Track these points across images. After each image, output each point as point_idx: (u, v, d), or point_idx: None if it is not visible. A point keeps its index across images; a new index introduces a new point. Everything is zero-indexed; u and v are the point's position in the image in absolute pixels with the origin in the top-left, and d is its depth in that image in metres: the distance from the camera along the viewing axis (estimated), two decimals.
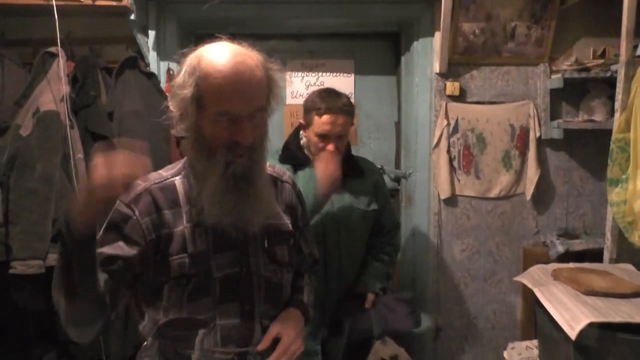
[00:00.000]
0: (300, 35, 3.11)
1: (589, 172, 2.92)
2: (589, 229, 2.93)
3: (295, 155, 2.21)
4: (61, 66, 2.34)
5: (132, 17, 2.47)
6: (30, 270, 2.17)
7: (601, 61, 2.66)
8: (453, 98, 2.83)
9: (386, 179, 2.57)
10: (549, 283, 1.85)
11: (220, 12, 2.65)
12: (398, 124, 3.19)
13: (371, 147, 3.18)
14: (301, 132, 2.26)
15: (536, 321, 2.69)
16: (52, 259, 2.22)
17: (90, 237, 1.09)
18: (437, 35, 2.79)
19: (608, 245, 2.18)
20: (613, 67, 2.56)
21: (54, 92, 2.34)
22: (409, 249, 2.98)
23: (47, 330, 2.36)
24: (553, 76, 2.77)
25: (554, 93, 2.81)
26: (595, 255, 2.49)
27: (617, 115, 2.10)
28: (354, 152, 2.38)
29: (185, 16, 2.74)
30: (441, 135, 2.82)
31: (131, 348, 2.34)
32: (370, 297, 2.21)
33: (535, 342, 2.15)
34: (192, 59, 1.21)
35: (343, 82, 3.08)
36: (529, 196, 2.88)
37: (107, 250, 1.18)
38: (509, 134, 2.86)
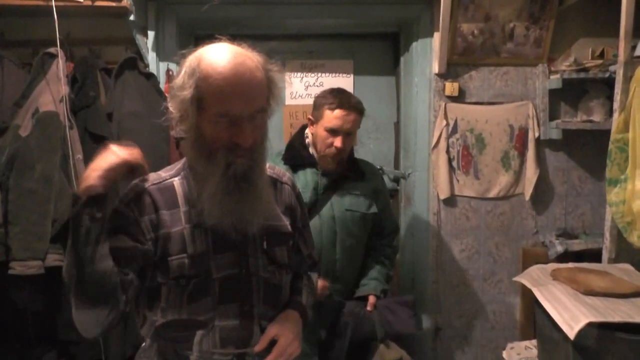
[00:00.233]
0: (300, 36, 3.11)
1: (587, 172, 2.92)
2: (587, 229, 2.93)
3: (299, 154, 2.22)
4: (60, 67, 2.33)
5: (132, 17, 2.47)
6: (29, 271, 2.17)
7: (600, 61, 2.67)
8: (452, 98, 2.83)
9: (385, 179, 2.57)
10: (548, 283, 1.85)
11: (219, 12, 2.65)
12: (397, 125, 3.19)
13: (370, 147, 3.18)
14: (307, 130, 2.27)
15: (535, 321, 2.70)
16: (52, 259, 2.22)
17: (103, 206, 1.11)
18: (436, 36, 2.79)
19: (607, 245, 2.18)
20: (612, 68, 2.57)
21: (53, 93, 2.34)
22: (408, 250, 2.99)
23: (46, 331, 2.36)
24: (552, 76, 2.77)
25: (553, 93, 2.82)
26: (594, 255, 2.50)
27: (615, 115, 2.11)
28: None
29: (185, 17, 2.74)
30: (440, 135, 2.83)
31: (131, 348, 2.34)
32: (372, 299, 2.21)
33: (534, 342, 2.15)
34: (191, 60, 1.21)
35: (342, 83, 3.08)
36: (528, 196, 2.88)
37: (111, 243, 1.17)
38: (507, 135, 2.86)
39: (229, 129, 1.18)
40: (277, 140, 2.95)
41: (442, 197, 2.88)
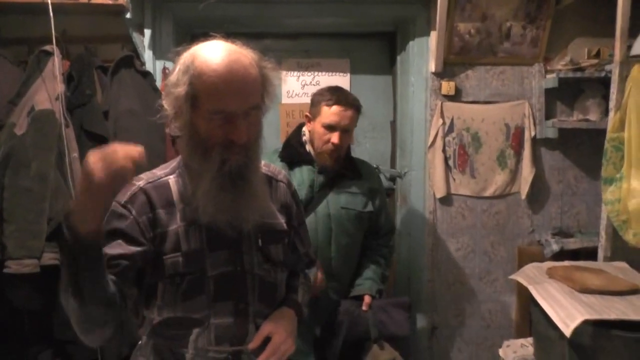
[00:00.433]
0: (297, 35, 3.12)
1: (583, 171, 2.93)
2: (583, 228, 2.94)
3: (296, 151, 2.23)
4: (56, 65, 2.33)
5: (128, 15, 2.47)
6: (25, 270, 2.16)
7: (596, 61, 2.67)
8: (448, 97, 2.84)
9: (382, 178, 2.57)
10: (544, 281, 1.85)
11: (216, 10, 2.65)
12: (393, 123, 3.19)
13: (367, 146, 3.18)
14: (304, 128, 2.27)
15: (531, 319, 2.70)
16: (48, 258, 2.21)
17: (97, 238, 1.05)
18: (433, 35, 2.79)
19: (602, 244, 2.19)
20: (607, 67, 2.57)
21: (49, 91, 2.33)
22: (404, 248, 2.99)
23: (42, 330, 2.36)
24: (548, 76, 2.78)
25: (549, 93, 2.82)
26: (589, 254, 2.51)
27: (611, 114, 2.11)
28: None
29: (181, 15, 2.74)
30: (436, 134, 2.83)
31: (127, 347, 2.33)
32: (367, 299, 2.21)
33: (530, 339, 2.15)
34: (186, 57, 1.21)
35: (339, 82, 3.08)
36: (524, 195, 2.89)
37: (108, 250, 1.16)
38: (504, 134, 2.87)
39: (224, 126, 1.18)
40: (273, 138, 2.95)
41: (438, 195, 2.88)
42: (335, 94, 2.16)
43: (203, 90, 1.16)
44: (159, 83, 2.62)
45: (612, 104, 2.13)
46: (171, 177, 1.32)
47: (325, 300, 2.19)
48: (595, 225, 2.78)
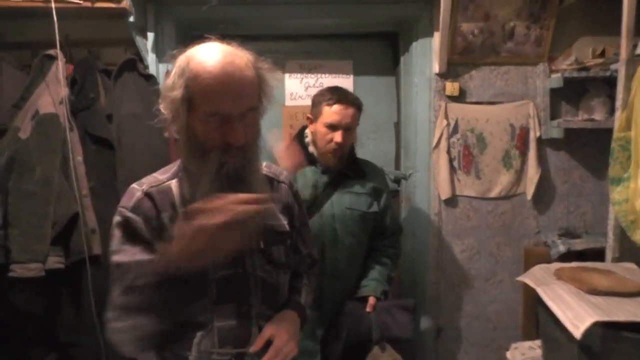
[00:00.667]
0: (298, 36, 3.10)
1: (589, 171, 2.92)
2: (589, 229, 2.92)
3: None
4: (60, 68, 2.33)
5: (131, 19, 2.46)
6: (29, 273, 2.16)
7: (601, 60, 2.66)
8: (452, 98, 2.83)
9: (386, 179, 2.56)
10: (552, 282, 1.84)
11: (218, 13, 2.65)
12: (397, 125, 3.18)
13: (370, 148, 3.17)
14: (307, 130, 2.27)
15: (538, 321, 2.68)
16: (52, 261, 2.21)
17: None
18: (436, 36, 2.78)
19: (610, 244, 2.17)
20: (613, 67, 2.56)
21: (52, 95, 2.33)
22: (409, 250, 2.98)
23: (46, 333, 2.35)
24: (553, 75, 2.76)
25: (554, 92, 2.81)
26: (596, 255, 2.49)
27: (617, 113, 2.10)
28: None
29: (184, 18, 2.73)
30: (441, 135, 2.82)
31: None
32: (372, 300, 2.20)
33: (538, 342, 2.14)
34: (181, 60, 1.21)
35: (342, 83, 3.06)
36: (529, 196, 2.87)
37: (131, 257, 1.18)
38: (508, 134, 2.86)
39: (220, 129, 1.18)
40: (276, 141, 2.94)
41: (443, 197, 2.87)
42: (336, 93, 2.16)
43: (198, 92, 1.16)
44: (161, 86, 2.61)
45: (618, 103, 2.11)
46: (173, 181, 1.31)
47: (330, 301, 2.19)
48: (602, 226, 2.77)
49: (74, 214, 2.27)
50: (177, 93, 1.17)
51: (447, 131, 2.83)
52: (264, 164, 1.46)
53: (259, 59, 1.26)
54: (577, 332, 1.49)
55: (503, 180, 2.88)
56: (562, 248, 2.73)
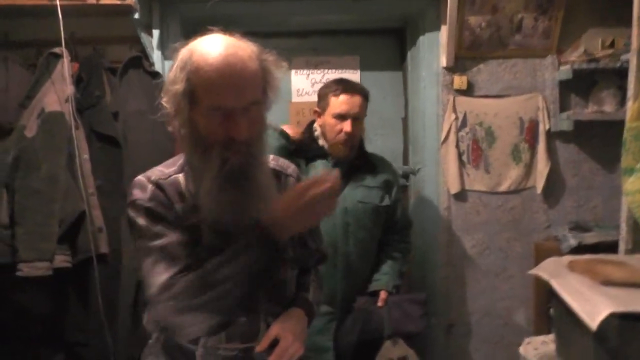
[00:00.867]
0: (305, 33, 3.10)
1: (599, 163, 2.88)
2: (600, 222, 2.88)
3: (309, 147, 2.22)
4: (66, 67, 2.32)
5: (136, 16, 2.45)
6: (37, 272, 2.16)
7: (610, 51, 2.63)
8: (460, 92, 2.80)
9: None
10: (566, 275, 1.81)
11: (223, 9, 2.64)
12: (405, 120, 3.16)
13: (378, 143, 3.14)
14: (315, 124, 2.27)
15: (549, 317, 2.66)
16: (59, 260, 2.20)
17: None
18: (443, 29, 2.76)
19: (623, 236, 2.14)
20: (623, 57, 2.54)
21: (58, 93, 2.33)
22: (418, 246, 2.95)
23: (54, 333, 2.34)
24: (562, 67, 2.73)
25: (563, 85, 2.78)
26: (608, 248, 2.45)
27: (629, 103, 2.06)
28: None
29: (189, 14, 2.72)
30: (449, 129, 2.80)
31: (139, 350, 2.31)
32: (383, 295, 2.19)
33: (551, 337, 2.11)
34: (183, 53, 1.18)
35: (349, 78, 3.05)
36: (539, 189, 2.84)
37: (172, 239, 1.19)
38: (517, 127, 2.83)
39: (223, 123, 1.16)
40: None
41: (452, 191, 2.84)
42: (342, 84, 2.18)
43: (200, 86, 1.14)
44: None
45: (630, 93, 2.08)
46: (180, 175, 1.29)
47: (342, 296, 2.18)
48: (613, 219, 2.73)
49: (81, 212, 2.26)
50: (179, 87, 1.15)
51: (456, 125, 2.80)
52: (271, 156, 1.44)
53: (264, 51, 1.23)
54: (593, 323, 1.46)
55: (512, 174, 2.85)
56: (573, 242, 2.69)
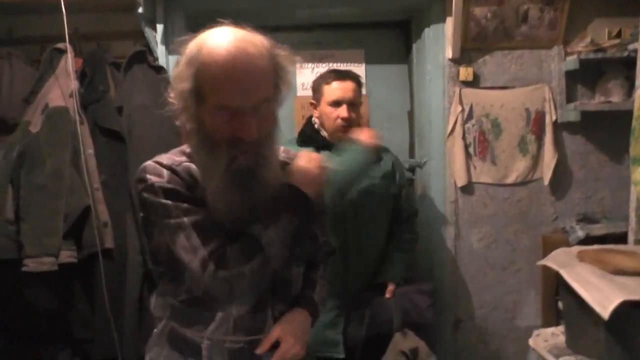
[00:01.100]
0: (309, 26, 3.08)
1: (606, 155, 2.86)
2: (608, 213, 2.86)
3: (313, 138, 2.22)
4: (69, 62, 2.31)
5: (140, 10, 2.44)
6: (42, 267, 2.15)
7: (617, 41, 2.61)
8: (466, 84, 2.78)
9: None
10: (575, 264, 1.80)
11: (227, 3, 2.64)
12: (411, 113, 3.15)
13: (383, 137, 3.13)
14: (314, 117, 2.27)
15: (557, 309, 2.64)
16: (65, 256, 2.20)
17: None
18: (449, 21, 2.73)
19: (633, 227, 2.13)
20: (630, 47, 2.51)
21: (62, 88, 2.33)
22: (425, 239, 2.92)
23: (60, 329, 2.34)
24: (568, 58, 2.71)
25: (569, 75, 2.75)
26: (616, 240, 2.44)
27: (638, 92, 2.05)
28: None
29: (193, 9, 2.71)
30: (456, 121, 2.78)
31: (145, 345, 2.31)
32: (391, 287, 2.19)
33: (560, 328, 2.10)
34: (191, 48, 1.13)
35: None
36: (547, 181, 2.82)
37: (203, 214, 1.18)
38: (524, 119, 2.81)
39: (231, 122, 1.12)
40: (288, 132, 2.90)
41: (459, 184, 2.82)
42: (332, 72, 2.23)
43: (207, 84, 1.10)
44: None
45: (638, 82, 2.07)
46: (191, 164, 1.24)
47: (351, 288, 2.17)
48: (621, 211, 2.72)
49: (86, 207, 2.25)
50: (186, 85, 1.12)
51: (462, 117, 2.78)
52: (282, 148, 1.41)
53: (276, 45, 1.18)
54: (605, 312, 1.45)
55: (519, 166, 2.83)
56: (581, 234, 2.67)
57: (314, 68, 3.08)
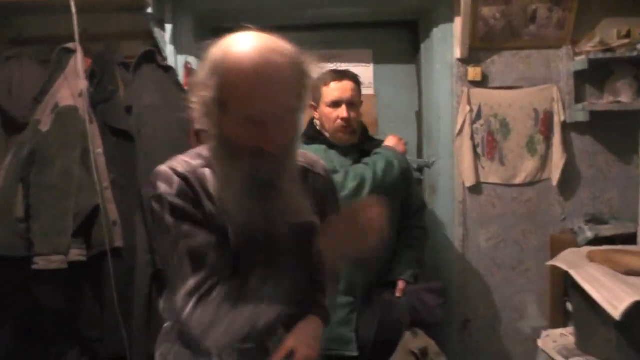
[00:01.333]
0: (317, 26, 3.08)
1: (615, 155, 2.85)
2: (617, 214, 2.85)
3: (315, 140, 2.22)
4: (79, 61, 2.32)
5: (149, 10, 2.45)
6: (52, 265, 2.15)
7: (627, 41, 2.60)
8: (475, 84, 2.78)
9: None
10: (585, 265, 1.79)
11: (236, 4, 2.65)
12: (419, 113, 3.14)
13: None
14: (315, 119, 2.28)
15: (565, 310, 2.63)
16: (74, 254, 2.20)
17: None
18: (457, 21, 2.74)
19: None
20: (639, 47, 2.50)
21: (71, 88, 2.33)
22: (433, 239, 2.92)
23: (69, 327, 2.34)
24: (577, 58, 2.70)
25: (578, 75, 2.75)
26: (625, 241, 2.43)
27: None
28: None
29: (201, 9, 2.72)
30: (464, 121, 2.78)
31: (154, 344, 2.31)
32: (401, 284, 2.18)
33: (569, 329, 2.09)
34: (215, 54, 1.11)
35: (362, 72, 2.99)
36: (555, 182, 2.81)
37: (199, 239, 1.14)
38: (532, 119, 2.80)
39: (254, 133, 1.09)
40: None
41: (467, 184, 2.82)
42: (330, 73, 2.22)
43: (231, 95, 1.08)
44: (181, 78, 2.60)
45: None
46: (207, 170, 1.21)
47: (362, 286, 2.16)
48: (629, 212, 2.71)
49: (95, 206, 2.26)
50: (209, 93, 1.09)
51: (470, 117, 2.78)
52: (300, 152, 1.39)
53: (301, 52, 1.16)
54: (616, 312, 1.45)
55: (528, 167, 2.83)
56: (589, 234, 2.66)
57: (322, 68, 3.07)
